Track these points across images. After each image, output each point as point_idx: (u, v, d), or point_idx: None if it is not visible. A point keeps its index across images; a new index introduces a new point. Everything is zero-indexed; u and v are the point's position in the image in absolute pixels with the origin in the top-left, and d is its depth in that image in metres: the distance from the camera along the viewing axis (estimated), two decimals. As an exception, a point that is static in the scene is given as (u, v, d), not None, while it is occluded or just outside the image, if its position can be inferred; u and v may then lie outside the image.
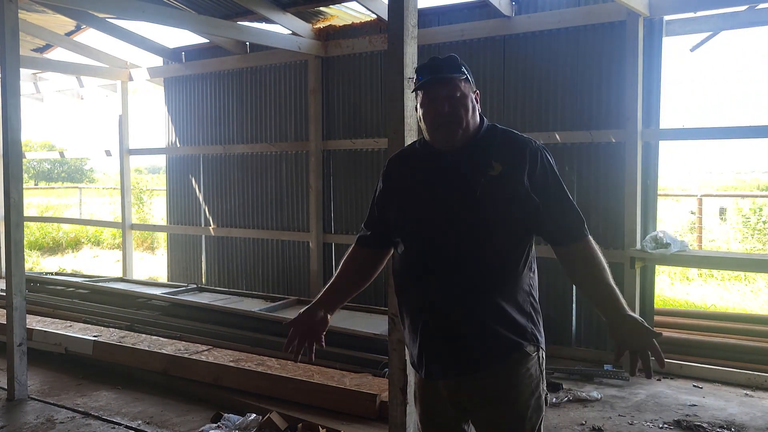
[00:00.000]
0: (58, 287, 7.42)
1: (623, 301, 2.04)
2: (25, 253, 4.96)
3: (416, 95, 2.23)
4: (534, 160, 2.11)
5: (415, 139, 3.31)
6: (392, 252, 2.35)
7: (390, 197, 2.27)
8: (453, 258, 2.08)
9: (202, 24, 6.46)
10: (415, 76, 2.27)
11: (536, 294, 2.18)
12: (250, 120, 7.80)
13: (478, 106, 2.21)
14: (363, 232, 2.39)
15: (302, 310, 2.37)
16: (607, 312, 2.05)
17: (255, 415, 4.17)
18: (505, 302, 2.08)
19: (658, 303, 6.57)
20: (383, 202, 2.30)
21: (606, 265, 2.12)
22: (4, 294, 5.02)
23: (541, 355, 2.15)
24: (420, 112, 2.19)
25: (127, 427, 4.33)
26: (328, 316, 2.40)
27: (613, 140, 5.52)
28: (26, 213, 5.91)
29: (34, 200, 21.00)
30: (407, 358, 2.27)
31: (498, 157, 2.10)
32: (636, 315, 2.03)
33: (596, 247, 2.15)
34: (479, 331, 2.08)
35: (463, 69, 2.23)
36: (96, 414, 4.53)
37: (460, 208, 2.08)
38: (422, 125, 2.19)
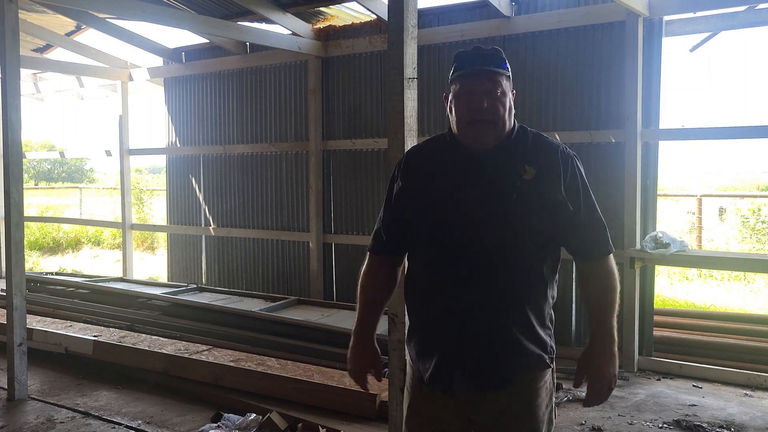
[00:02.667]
0: (58, 287, 7.42)
1: (610, 335, 2.09)
2: (25, 253, 4.96)
3: (452, 84, 2.03)
4: (566, 166, 2.03)
5: (415, 139, 3.33)
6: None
7: (412, 196, 2.08)
8: (487, 265, 1.96)
9: (202, 24, 6.46)
10: (454, 63, 2.03)
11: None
12: (250, 120, 7.80)
13: (513, 108, 2.08)
14: (379, 239, 2.18)
15: (350, 352, 2.27)
16: (591, 339, 2.14)
17: (255, 415, 4.17)
18: (532, 313, 2.01)
19: (658, 303, 6.58)
20: (404, 201, 2.10)
21: (618, 288, 2.10)
22: (4, 294, 5.03)
23: (554, 367, 2.14)
24: (452, 103, 2.02)
25: (127, 427, 4.33)
26: (376, 346, 2.27)
27: (613, 140, 5.53)
28: (26, 213, 5.91)
29: (34, 200, 21.00)
30: (408, 361, 2.19)
31: (531, 161, 1.99)
32: (612, 356, 2.09)
33: (614, 265, 2.11)
34: (509, 344, 1.99)
35: (507, 65, 2.03)
36: (96, 414, 4.53)
37: (494, 213, 1.96)
38: (452, 118, 2.03)
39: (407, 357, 2.22)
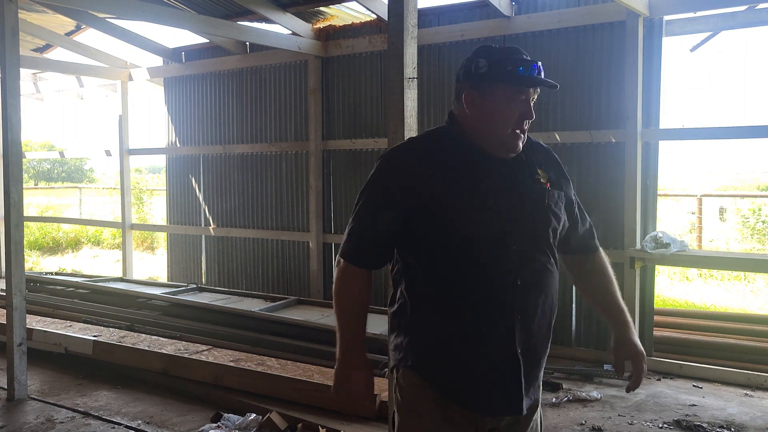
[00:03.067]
0: (58, 287, 7.42)
1: (630, 319, 2.17)
2: (25, 253, 4.96)
3: (499, 83, 1.88)
4: (562, 165, 2.07)
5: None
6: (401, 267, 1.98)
7: (414, 201, 1.87)
8: (529, 277, 1.88)
9: (202, 24, 6.46)
10: (510, 62, 1.88)
11: None
12: (250, 120, 7.80)
13: None
14: (362, 249, 1.94)
15: (341, 376, 1.98)
16: (618, 327, 2.16)
17: (255, 415, 4.17)
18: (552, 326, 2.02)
19: (658, 303, 6.57)
20: (398, 207, 1.89)
21: (614, 276, 2.18)
22: (4, 294, 5.02)
23: None
24: (495, 104, 1.88)
25: (127, 427, 4.33)
26: (372, 369, 2.04)
27: (613, 140, 5.53)
28: (26, 213, 5.91)
29: (34, 200, 21.00)
30: (412, 382, 1.97)
31: (540, 164, 1.98)
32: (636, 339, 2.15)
33: (605, 255, 2.20)
34: (544, 359, 2.00)
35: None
36: (96, 414, 4.53)
37: (530, 221, 1.90)
38: (482, 118, 1.90)
39: (404, 378, 1.96)
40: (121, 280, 8.15)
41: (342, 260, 1.97)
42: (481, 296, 1.86)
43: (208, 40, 7.92)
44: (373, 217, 1.94)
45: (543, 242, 1.93)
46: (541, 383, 2.03)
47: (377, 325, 5.44)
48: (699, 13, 5.33)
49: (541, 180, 1.95)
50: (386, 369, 4.03)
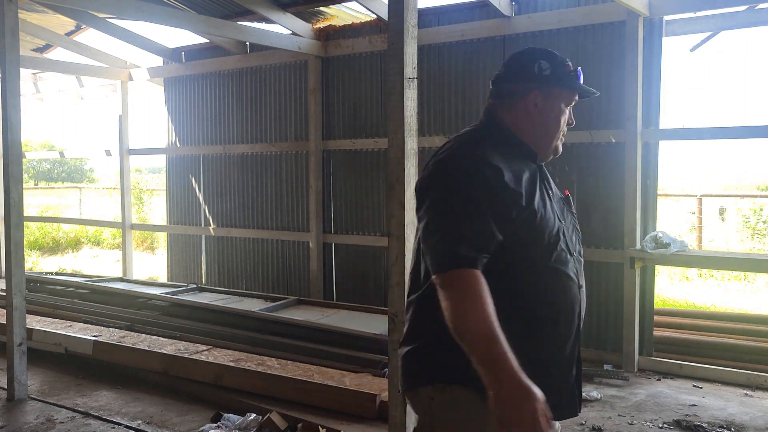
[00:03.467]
0: (58, 287, 7.42)
1: None
2: (25, 253, 4.96)
3: (562, 89, 1.89)
4: None
5: (415, 139, 3.33)
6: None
7: (518, 200, 1.74)
8: (581, 279, 1.90)
9: (202, 24, 6.46)
10: (573, 71, 1.93)
11: None
12: (250, 120, 7.80)
13: None
14: (475, 251, 1.65)
15: (521, 394, 1.53)
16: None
17: (255, 415, 4.17)
18: None
19: (658, 303, 6.57)
20: (506, 205, 1.72)
21: None
22: (4, 294, 5.02)
23: None
24: (555, 110, 1.89)
25: (127, 427, 4.33)
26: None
27: (613, 140, 5.52)
28: (26, 213, 5.91)
29: (34, 200, 21.00)
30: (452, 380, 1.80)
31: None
32: None
33: None
34: None
35: None
36: (96, 414, 4.53)
37: (571, 225, 1.93)
38: (542, 123, 1.88)
39: (452, 395, 1.77)
40: (121, 280, 8.14)
41: (455, 271, 1.64)
42: (562, 302, 1.81)
43: (208, 40, 7.93)
44: (476, 215, 1.69)
45: (580, 247, 1.96)
46: None
47: (377, 325, 5.45)
48: (699, 13, 5.33)
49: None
50: (386, 369, 4.03)
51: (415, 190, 1.87)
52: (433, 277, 1.67)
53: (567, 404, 1.88)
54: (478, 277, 1.63)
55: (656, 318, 5.66)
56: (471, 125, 1.99)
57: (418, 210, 1.83)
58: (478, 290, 1.61)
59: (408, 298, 1.94)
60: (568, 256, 1.84)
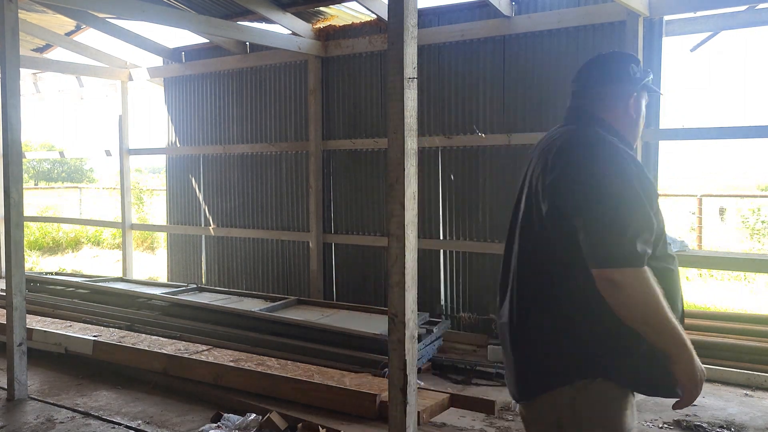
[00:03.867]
0: (58, 287, 7.42)
1: None
2: (25, 253, 4.96)
3: (647, 90, 2.09)
4: None
5: (415, 139, 3.33)
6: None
7: (656, 192, 1.92)
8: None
9: (202, 24, 6.46)
10: (651, 72, 2.13)
11: None
12: (250, 120, 7.80)
13: None
14: (645, 247, 1.76)
15: (698, 367, 1.83)
16: None
17: (255, 415, 4.17)
18: None
19: (658, 303, 6.56)
20: (653, 198, 1.87)
21: None
22: (4, 294, 5.02)
23: None
24: (640, 110, 2.08)
25: (127, 427, 4.33)
26: None
27: (613, 140, 5.51)
28: (26, 213, 5.91)
29: (34, 200, 20.99)
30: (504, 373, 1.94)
31: None
32: None
33: None
34: None
35: None
36: (96, 414, 4.53)
37: None
38: (636, 124, 2.07)
39: (599, 391, 1.86)
40: (121, 280, 8.14)
41: (638, 270, 1.74)
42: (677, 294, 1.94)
43: (208, 40, 7.93)
44: (643, 213, 1.78)
45: None
46: None
47: (377, 325, 5.45)
48: (699, 13, 5.33)
49: None
50: (386, 369, 4.03)
51: (552, 184, 1.87)
52: (605, 271, 1.74)
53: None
54: (646, 276, 1.75)
55: (656, 318, 5.65)
56: (566, 125, 2.07)
57: (560, 207, 1.84)
58: (651, 287, 1.75)
59: (523, 301, 1.96)
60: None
